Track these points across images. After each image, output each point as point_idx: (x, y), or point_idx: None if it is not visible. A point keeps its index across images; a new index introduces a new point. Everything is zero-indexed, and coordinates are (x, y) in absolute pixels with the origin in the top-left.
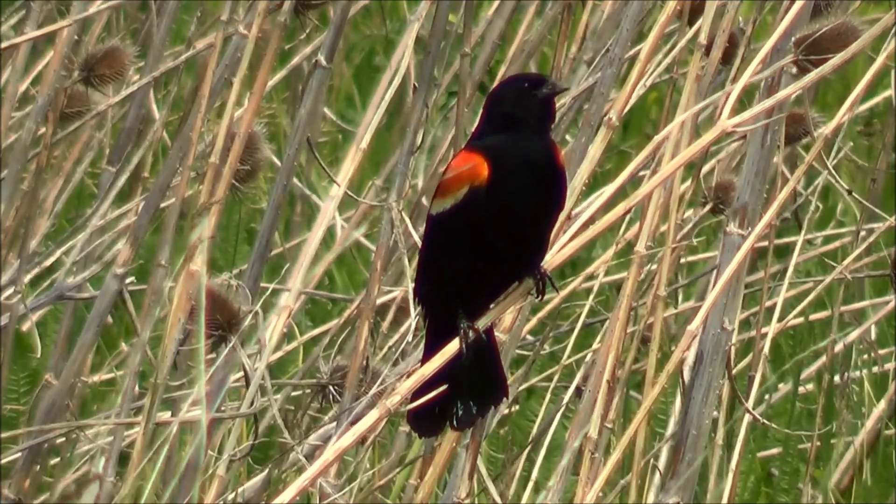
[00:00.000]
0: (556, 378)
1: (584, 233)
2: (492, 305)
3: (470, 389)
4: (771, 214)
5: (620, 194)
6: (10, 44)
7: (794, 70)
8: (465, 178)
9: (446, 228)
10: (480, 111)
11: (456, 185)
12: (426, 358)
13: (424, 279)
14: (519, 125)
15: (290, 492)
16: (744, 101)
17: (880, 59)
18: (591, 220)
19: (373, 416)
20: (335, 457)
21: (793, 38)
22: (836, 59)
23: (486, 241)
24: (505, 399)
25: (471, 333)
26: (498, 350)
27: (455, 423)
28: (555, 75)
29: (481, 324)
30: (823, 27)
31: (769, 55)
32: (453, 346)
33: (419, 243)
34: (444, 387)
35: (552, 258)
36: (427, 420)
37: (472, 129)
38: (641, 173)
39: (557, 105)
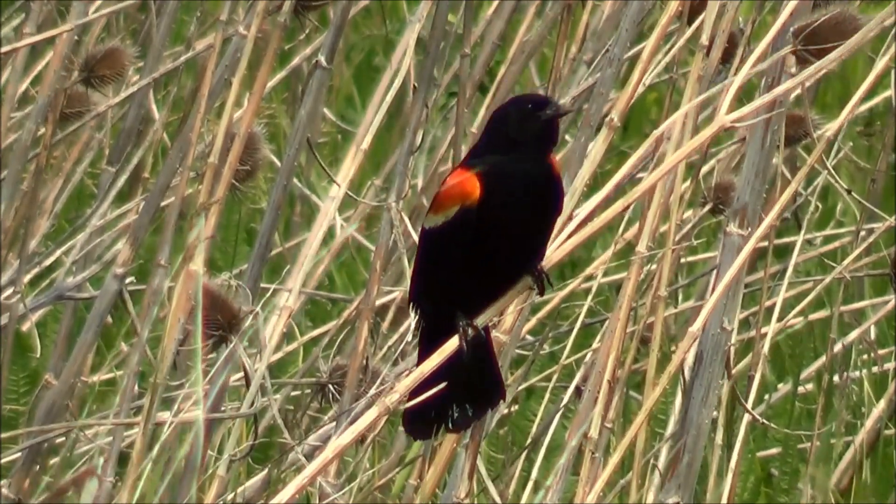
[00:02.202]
0: (555, 378)
1: (583, 230)
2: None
3: (466, 392)
4: (772, 217)
5: (619, 193)
6: (11, 48)
7: (794, 67)
8: (457, 197)
9: (438, 243)
10: (483, 128)
11: (448, 202)
12: (421, 361)
13: (419, 288)
14: (520, 147)
15: (290, 490)
16: (743, 101)
17: (882, 63)
18: (590, 218)
19: (372, 413)
20: (335, 455)
21: (791, 29)
22: (836, 54)
23: (477, 256)
24: (501, 401)
25: (469, 331)
26: (494, 351)
27: (451, 425)
28: (555, 75)
29: (479, 322)
30: (822, 17)
31: (768, 49)
32: (452, 344)
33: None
34: (441, 385)
35: (550, 254)
36: (422, 423)
37: (473, 132)
38: (640, 175)
39: None
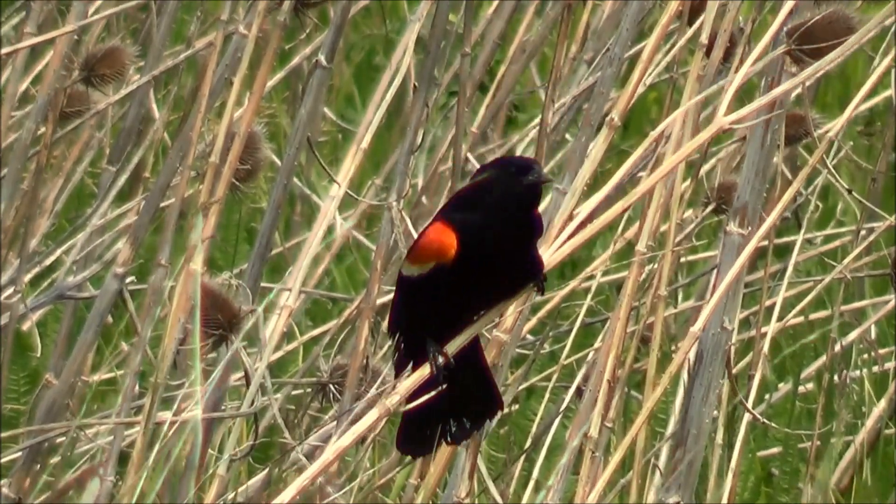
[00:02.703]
0: (555, 378)
1: (582, 232)
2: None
3: (462, 406)
4: (773, 217)
5: (619, 192)
6: (12, 50)
7: (792, 66)
8: (433, 254)
9: (414, 291)
10: (468, 181)
11: (424, 256)
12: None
13: (398, 323)
14: (501, 208)
15: (291, 491)
16: (743, 100)
17: (884, 64)
18: (590, 219)
19: (372, 415)
20: (335, 456)
21: (784, 29)
22: (836, 54)
23: (452, 300)
24: (500, 411)
25: (440, 358)
26: (487, 362)
27: (449, 438)
28: (555, 75)
29: (450, 349)
30: (815, 16)
31: (767, 49)
32: (424, 371)
33: None
34: (441, 388)
35: (550, 256)
36: (416, 440)
37: (473, 131)
38: (640, 174)
39: (557, 104)
